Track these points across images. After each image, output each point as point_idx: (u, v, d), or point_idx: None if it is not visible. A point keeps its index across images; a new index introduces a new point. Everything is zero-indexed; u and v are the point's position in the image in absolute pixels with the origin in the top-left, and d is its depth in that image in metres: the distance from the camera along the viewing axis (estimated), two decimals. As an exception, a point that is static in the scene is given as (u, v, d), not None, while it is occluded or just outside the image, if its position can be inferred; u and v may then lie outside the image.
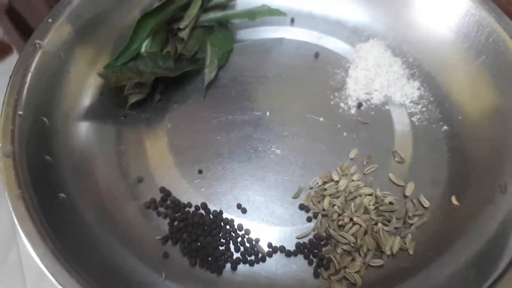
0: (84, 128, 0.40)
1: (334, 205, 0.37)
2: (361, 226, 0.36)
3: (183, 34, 0.44)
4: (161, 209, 0.38)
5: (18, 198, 0.31)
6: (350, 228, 0.36)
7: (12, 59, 0.37)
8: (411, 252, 0.35)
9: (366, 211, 0.37)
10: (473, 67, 0.43)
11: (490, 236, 0.34)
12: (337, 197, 0.37)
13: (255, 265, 0.35)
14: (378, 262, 0.35)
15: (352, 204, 0.37)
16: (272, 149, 0.41)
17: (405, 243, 0.36)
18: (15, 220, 0.30)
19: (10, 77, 0.36)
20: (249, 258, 0.36)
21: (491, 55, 0.42)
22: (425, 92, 0.44)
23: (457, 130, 0.42)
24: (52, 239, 0.30)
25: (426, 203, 0.38)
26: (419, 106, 0.44)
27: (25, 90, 0.36)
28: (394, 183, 0.39)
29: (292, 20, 0.49)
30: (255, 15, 0.47)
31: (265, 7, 0.48)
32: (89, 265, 0.32)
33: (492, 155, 0.38)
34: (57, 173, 0.36)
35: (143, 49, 0.43)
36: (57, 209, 0.33)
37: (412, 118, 0.43)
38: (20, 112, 0.35)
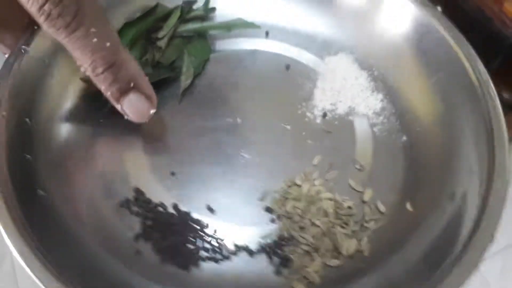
0: (64, 130, 0.42)
1: (297, 208, 0.40)
2: (319, 227, 0.39)
3: (161, 43, 0.46)
4: (134, 208, 0.40)
5: (-2, 194, 0.33)
6: (310, 230, 0.39)
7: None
8: (366, 253, 0.38)
9: (326, 214, 0.40)
10: (432, 82, 0.46)
11: (438, 236, 0.37)
12: (300, 201, 0.40)
13: (221, 262, 0.38)
14: (335, 262, 0.38)
15: (313, 207, 0.40)
16: (241, 154, 0.43)
17: (361, 245, 0.39)
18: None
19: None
20: (215, 256, 0.38)
21: (447, 71, 0.45)
22: (387, 104, 0.48)
23: (415, 141, 0.45)
24: (29, 232, 0.33)
25: (383, 208, 0.41)
26: (381, 117, 0.47)
27: (8, 92, 0.38)
28: (353, 188, 0.42)
29: (267, 33, 0.52)
30: (231, 27, 0.50)
31: (240, 20, 0.50)
32: (65, 260, 0.34)
33: (443, 165, 0.41)
34: (36, 171, 0.38)
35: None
36: (34, 205, 0.35)
37: (374, 129, 0.46)
38: (4, 113, 0.37)
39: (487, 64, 0.89)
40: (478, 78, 0.42)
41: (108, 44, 0.33)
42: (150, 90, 0.37)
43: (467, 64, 0.44)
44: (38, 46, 0.41)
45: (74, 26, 0.32)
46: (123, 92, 0.36)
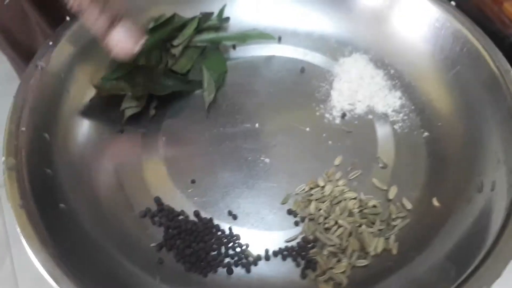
0: (83, 143, 0.42)
1: (320, 209, 0.39)
2: (346, 228, 0.38)
3: (176, 51, 0.47)
4: (156, 218, 0.39)
5: (21, 207, 0.33)
6: (336, 230, 0.38)
7: (17, 82, 0.40)
8: (394, 252, 0.37)
9: (351, 214, 0.39)
10: (450, 76, 0.45)
11: (467, 233, 0.36)
12: (323, 202, 0.39)
13: (246, 268, 0.37)
14: (363, 262, 0.37)
15: (337, 208, 0.39)
16: (261, 158, 0.43)
17: (388, 244, 0.38)
18: (18, 229, 0.32)
19: (13, 97, 0.39)
20: (239, 262, 0.37)
21: (465, 64, 0.44)
22: (406, 101, 0.47)
23: (437, 136, 0.44)
24: (53, 246, 0.32)
25: (409, 205, 0.40)
26: (401, 115, 0.46)
27: (27, 108, 0.39)
28: (377, 187, 0.41)
29: (280, 38, 0.52)
30: (246, 39, 0.51)
31: (255, 31, 0.51)
32: (88, 271, 0.34)
33: (468, 157, 0.40)
34: (57, 185, 0.38)
35: (141, 63, 0.46)
36: (57, 218, 0.35)
37: (394, 126, 0.45)
38: (23, 129, 0.37)
39: None
40: (499, 67, 0.41)
41: None
42: (134, 25, 0.36)
43: (486, 55, 0.43)
44: (53, 62, 0.41)
45: None
46: (110, 24, 0.35)
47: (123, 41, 0.36)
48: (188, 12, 0.51)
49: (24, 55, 0.53)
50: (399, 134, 0.45)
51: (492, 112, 0.41)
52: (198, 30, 0.50)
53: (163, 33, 0.47)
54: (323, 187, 0.41)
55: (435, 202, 0.40)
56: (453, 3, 0.47)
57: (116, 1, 0.35)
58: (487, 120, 0.41)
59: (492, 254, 0.32)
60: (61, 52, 0.42)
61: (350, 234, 0.38)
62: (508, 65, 0.42)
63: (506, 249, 0.32)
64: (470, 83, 0.44)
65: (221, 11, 0.51)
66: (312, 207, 0.39)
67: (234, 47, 0.51)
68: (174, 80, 0.47)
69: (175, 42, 0.47)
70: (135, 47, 0.36)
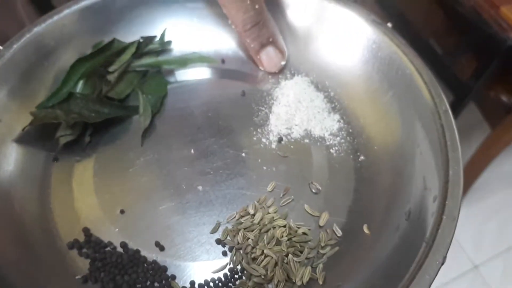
0: (12, 172, 0.42)
1: (248, 238, 0.39)
2: (272, 258, 0.37)
3: (111, 77, 0.46)
4: (83, 250, 0.39)
5: None
6: (262, 260, 0.37)
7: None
8: (320, 282, 0.37)
9: (278, 242, 0.38)
10: (386, 99, 0.45)
11: (393, 259, 0.36)
12: (252, 230, 0.39)
13: (171, 301, 0.37)
14: (288, 293, 0.36)
15: (265, 237, 0.38)
16: (194, 186, 0.42)
17: (315, 273, 0.37)
18: None
19: None
20: (164, 295, 0.37)
21: (400, 88, 0.44)
22: (344, 124, 0.47)
23: (372, 160, 0.44)
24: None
25: (339, 233, 0.40)
26: (338, 138, 0.46)
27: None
28: (309, 213, 0.41)
29: (223, 61, 0.52)
30: (187, 62, 0.50)
31: (196, 54, 0.51)
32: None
33: (399, 183, 0.40)
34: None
35: (77, 90, 0.46)
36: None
37: (331, 150, 0.45)
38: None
39: (484, 68, 0.88)
40: (431, 91, 0.42)
41: (257, 6, 0.43)
42: (283, 46, 0.48)
43: (419, 79, 0.43)
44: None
45: None
46: (263, 45, 0.47)
47: (271, 59, 0.48)
48: (129, 37, 0.50)
49: None
50: (334, 158, 0.44)
51: (423, 138, 0.41)
52: (139, 54, 0.50)
53: (100, 59, 0.47)
54: (253, 215, 0.40)
55: (366, 230, 0.39)
56: (389, 24, 0.47)
57: (270, 26, 0.46)
58: (418, 145, 0.41)
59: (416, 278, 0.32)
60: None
61: (276, 264, 0.37)
62: (439, 90, 0.42)
63: (428, 272, 0.32)
64: (404, 107, 0.44)
65: (163, 35, 0.51)
66: (240, 236, 0.39)
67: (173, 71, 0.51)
68: (110, 107, 0.46)
69: (111, 69, 0.47)
70: (280, 65, 0.49)
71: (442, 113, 0.40)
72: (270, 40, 0.46)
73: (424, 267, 0.32)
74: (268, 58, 0.48)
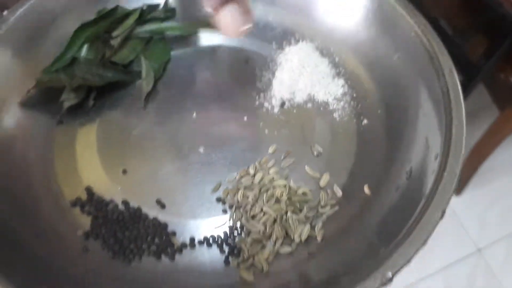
0: (17, 133, 0.42)
1: (248, 196, 0.39)
2: (270, 215, 0.37)
3: (114, 42, 0.47)
4: (86, 207, 0.39)
5: None
6: (261, 217, 0.38)
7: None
8: (319, 239, 0.37)
9: (278, 201, 0.38)
10: (391, 62, 0.45)
11: (391, 213, 0.35)
12: (252, 189, 0.39)
13: (170, 256, 0.37)
14: (287, 249, 0.36)
15: (265, 195, 0.38)
16: (196, 148, 0.43)
17: (314, 231, 0.37)
18: None
19: None
20: (164, 251, 0.37)
21: (405, 50, 0.44)
22: (349, 89, 0.46)
23: (376, 123, 0.43)
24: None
25: (339, 193, 0.39)
26: (341, 103, 0.45)
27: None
28: (309, 175, 0.41)
29: (227, 28, 0.51)
30: (190, 29, 0.50)
31: (199, 21, 0.50)
32: (13, 264, 0.34)
33: (400, 144, 0.40)
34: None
35: (81, 55, 0.46)
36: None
37: (334, 114, 0.45)
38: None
39: (495, 48, 0.86)
40: (436, 52, 0.41)
41: None
42: (248, 6, 0.37)
43: (424, 40, 0.42)
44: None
45: None
46: (223, 1, 0.36)
47: (232, 21, 0.37)
48: (133, 5, 0.50)
49: None
50: (337, 122, 0.44)
51: (426, 99, 0.40)
52: (143, 21, 0.50)
53: (104, 25, 0.47)
54: (253, 175, 0.40)
55: (366, 190, 0.39)
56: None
57: None
58: (422, 106, 0.41)
59: (408, 239, 0.32)
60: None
61: (274, 221, 0.37)
62: (445, 50, 0.41)
63: (420, 235, 0.32)
64: (408, 70, 0.43)
65: (166, 2, 0.51)
66: (240, 195, 0.39)
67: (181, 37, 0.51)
68: (113, 71, 0.46)
69: (114, 34, 0.47)
70: (241, 28, 0.37)
71: (447, 73, 0.39)
72: None
73: (422, 222, 0.32)
74: (228, 18, 0.37)
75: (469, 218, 1.02)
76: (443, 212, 0.32)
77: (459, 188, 1.04)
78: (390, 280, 0.29)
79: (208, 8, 0.37)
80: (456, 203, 1.03)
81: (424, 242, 0.31)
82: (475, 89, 0.92)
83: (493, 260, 0.98)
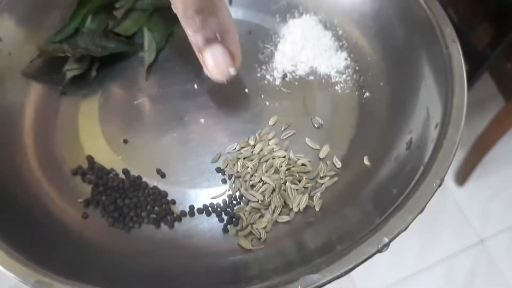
0: (20, 102, 0.43)
1: (248, 166, 0.39)
2: (269, 184, 0.37)
3: (117, 13, 0.47)
4: (87, 176, 0.40)
5: None
6: (260, 187, 0.38)
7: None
8: (317, 208, 0.37)
9: (277, 171, 0.38)
10: (395, 35, 0.44)
11: (390, 183, 0.35)
12: (251, 160, 0.39)
13: (169, 224, 0.37)
14: (285, 218, 0.37)
15: (264, 165, 0.39)
16: (197, 119, 0.43)
17: (312, 201, 0.37)
18: None
19: None
20: (163, 218, 0.37)
21: (408, 23, 0.43)
22: (351, 62, 0.46)
23: (378, 96, 0.43)
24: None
25: (339, 164, 0.39)
26: (344, 76, 0.45)
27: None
28: (310, 146, 0.41)
29: (230, 1, 0.51)
30: None
31: None
32: (10, 226, 0.34)
33: (402, 114, 0.40)
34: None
35: (85, 26, 0.46)
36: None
37: (336, 87, 0.44)
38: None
39: (502, 37, 0.85)
40: (439, 23, 0.40)
41: None
42: (236, 48, 0.35)
43: (427, 11, 0.41)
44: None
45: None
46: (208, 41, 0.33)
47: (217, 63, 0.35)
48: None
49: None
50: (339, 95, 0.44)
51: (428, 70, 0.40)
52: (146, -7, 0.50)
53: (106, -4, 0.47)
54: (253, 146, 0.40)
55: (366, 161, 0.39)
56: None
57: (222, 16, 0.33)
58: (423, 77, 0.40)
59: (406, 204, 0.32)
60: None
61: (273, 191, 0.37)
62: (449, 22, 0.41)
63: (419, 201, 0.32)
64: (412, 42, 0.43)
65: (170, -25, 0.51)
66: (239, 165, 0.39)
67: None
68: (116, 42, 0.46)
69: (118, 4, 0.47)
70: (227, 72, 0.35)
71: (450, 43, 0.39)
72: (219, 36, 0.33)
73: (420, 189, 0.32)
74: (213, 60, 0.35)
75: (472, 209, 1.01)
76: (442, 180, 0.32)
77: (462, 179, 1.03)
78: (387, 245, 0.29)
79: (195, 49, 0.35)
80: (459, 194, 1.02)
81: (422, 210, 0.31)
82: (480, 79, 0.90)
83: (496, 251, 0.97)
